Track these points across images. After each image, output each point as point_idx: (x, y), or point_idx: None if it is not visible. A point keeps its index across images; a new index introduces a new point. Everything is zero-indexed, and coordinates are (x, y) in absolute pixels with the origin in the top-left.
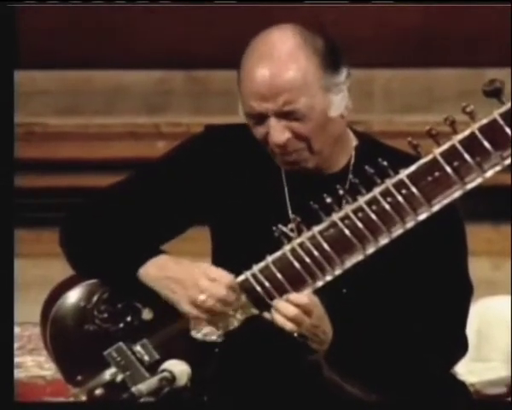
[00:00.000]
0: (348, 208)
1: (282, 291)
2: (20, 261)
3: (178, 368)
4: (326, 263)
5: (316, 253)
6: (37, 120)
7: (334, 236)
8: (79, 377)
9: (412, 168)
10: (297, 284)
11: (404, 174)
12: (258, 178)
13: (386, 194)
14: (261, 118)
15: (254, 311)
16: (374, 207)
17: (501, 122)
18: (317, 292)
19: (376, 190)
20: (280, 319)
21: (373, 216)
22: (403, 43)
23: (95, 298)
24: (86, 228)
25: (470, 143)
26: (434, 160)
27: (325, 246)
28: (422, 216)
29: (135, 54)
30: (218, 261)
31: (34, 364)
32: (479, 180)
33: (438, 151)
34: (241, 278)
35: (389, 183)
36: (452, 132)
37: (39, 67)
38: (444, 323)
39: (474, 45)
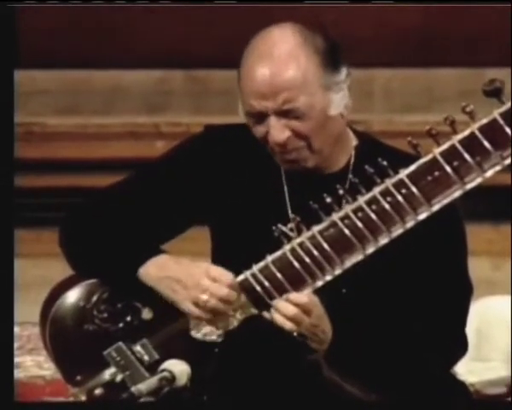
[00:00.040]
0: (348, 208)
1: (281, 291)
2: (20, 261)
3: (178, 368)
4: (326, 263)
5: (315, 253)
6: (36, 120)
7: (333, 235)
8: (79, 377)
9: (412, 168)
10: (297, 283)
11: (403, 174)
12: (257, 177)
13: (386, 194)
14: (261, 117)
15: (254, 311)
16: (374, 207)
17: (501, 122)
18: (317, 292)
19: (376, 190)
20: (279, 319)
21: (373, 216)
22: (403, 43)
23: (94, 298)
24: (86, 228)
25: (470, 142)
26: (434, 159)
27: (325, 246)
28: (422, 216)
29: (135, 54)
30: (217, 261)
31: (33, 364)
32: (479, 180)
33: (438, 151)
34: (241, 277)
35: (389, 182)
36: (452, 132)
37: (39, 67)
38: (444, 322)
39: (474, 45)
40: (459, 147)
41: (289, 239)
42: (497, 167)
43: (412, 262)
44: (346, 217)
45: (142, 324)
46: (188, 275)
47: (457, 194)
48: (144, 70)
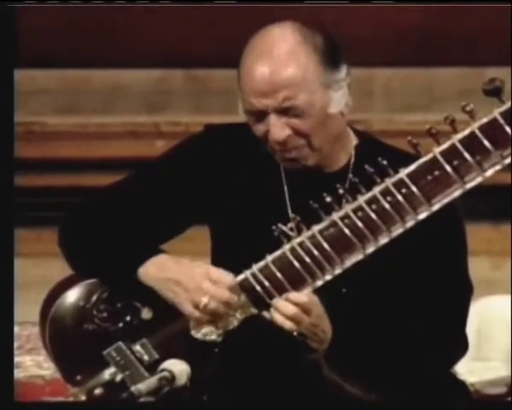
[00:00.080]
0: (348, 207)
1: (281, 291)
2: (20, 261)
3: (178, 368)
4: (326, 262)
5: (315, 252)
6: (36, 120)
7: (333, 235)
8: (79, 377)
9: (412, 167)
10: (297, 283)
11: (403, 173)
12: (257, 177)
13: (386, 193)
14: (261, 115)
15: (254, 310)
16: (374, 207)
17: (501, 121)
18: (317, 291)
19: (376, 190)
20: (279, 318)
21: (373, 215)
22: (403, 43)
23: (94, 298)
24: (85, 228)
25: (470, 142)
26: (434, 159)
27: (325, 245)
28: (422, 215)
29: (135, 53)
30: (217, 261)
31: (33, 363)
32: (479, 179)
33: (438, 150)
34: (241, 277)
35: (389, 182)
36: (452, 131)
37: (39, 67)
38: (444, 322)
39: (474, 45)
40: (459, 146)
41: (289, 239)
42: (497, 167)
43: (412, 262)
44: (346, 216)
45: (142, 323)
46: (188, 277)
47: (457, 193)
48: (144, 70)
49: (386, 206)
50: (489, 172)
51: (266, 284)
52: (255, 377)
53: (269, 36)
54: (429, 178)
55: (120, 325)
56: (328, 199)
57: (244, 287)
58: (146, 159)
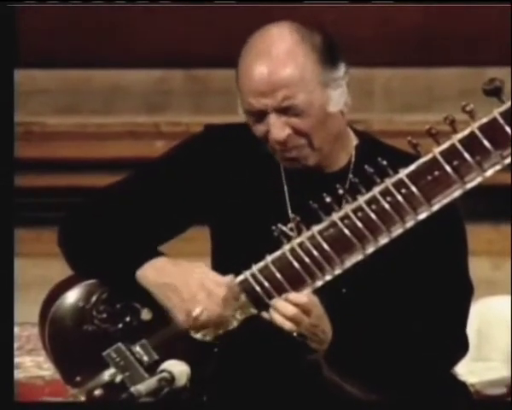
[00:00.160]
0: (348, 208)
1: (281, 291)
2: (20, 261)
3: (178, 368)
4: (325, 263)
5: (315, 253)
6: (36, 120)
7: (333, 235)
8: (78, 378)
9: (412, 168)
10: (296, 283)
11: (403, 174)
12: (257, 177)
13: (385, 193)
14: (260, 115)
15: (254, 311)
16: (373, 207)
17: (501, 121)
18: (317, 292)
19: (376, 190)
20: (279, 319)
21: (373, 216)
22: (403, 43)
23: (93, 298)
24: (85, 228)
25: (470, 142)
26: (434, 159)
27: (325, 246)
28: (422, 215)
29: (135, 53)
30: (217, 261)
31: (33, 364)
32: (479, 179)
33: (438, 150)
34: (241, 278)
35: (389, 182)
36: (452, 131)
37: (39, 67)
38: (444, 323)
39: (474, 45)
40: (459, 146)
41: (289, 239)
42: (497, 167)
43: (412, 262)
44: (346, 217)
45: (142, 324)
46: (184, 284)
47: (457, 193)
48: (144, 70)
49: (386, 206)
50: (489, 173)
51: (266, 284)
52: (255, 377)
53: (267, 36)
54: (429, 178)
55: (120, 325)
56: (328, 199)
57: (244, 287)
58: (146, 159)
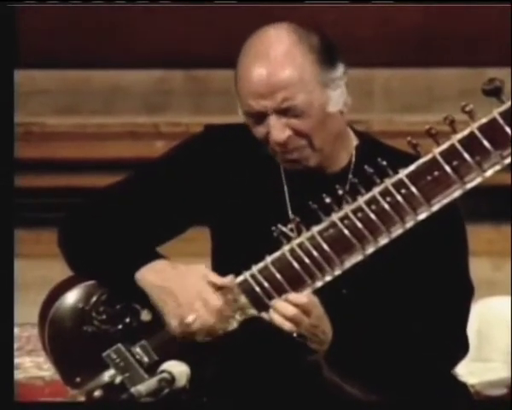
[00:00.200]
0: (348, 208)
1: (281, 292)
2: (20, 262)
3: (177, 369)
4: (325, 263)
5: (315, 253)
6: (36, 120)
7: (333, 236)
8: (78, 379)
9: (412, 168)
10: (296, 284)
11: (403, 174)
12: (257, 177)
13: (385, 194)
14: (260, 117)
15: (253, 312)
16: (373, 207)
17: (501, 121)
18: (317, 292)
19: (376, 190)
20: (278, 319)
21: (372, 216)
22: (403, 43)
23: (93, 299)
24: (85, 228)
25: (470, 142)
26: (434, 159)
27: (324, 246)
28: (422, 216)
29: (135, 54)
30: (217, 261)
31: (33, 365)
32: (478, 180)
33: (437, 151)
34: (240, 278)
35: (388, 182)
36: (452, 132)
37: (39, 67)
38: (444, 323)
39: (474, 45)
40: (459, 147)
41: (289, 240)
42: (497, 167)
43: (413, 263)
44: (346, 217)
45: (141, 325)
46: (182, 289)
47: (457, 194)
48: (144, 70)
49: (386, 206)
50: (489, 173)
51: (266, 285)
52: (255, 378)
53: (264, 38)
54: (429, 178)
55: (120, 326)
56: (328, 200)
57: (243, 288)
58: (145, 160)
